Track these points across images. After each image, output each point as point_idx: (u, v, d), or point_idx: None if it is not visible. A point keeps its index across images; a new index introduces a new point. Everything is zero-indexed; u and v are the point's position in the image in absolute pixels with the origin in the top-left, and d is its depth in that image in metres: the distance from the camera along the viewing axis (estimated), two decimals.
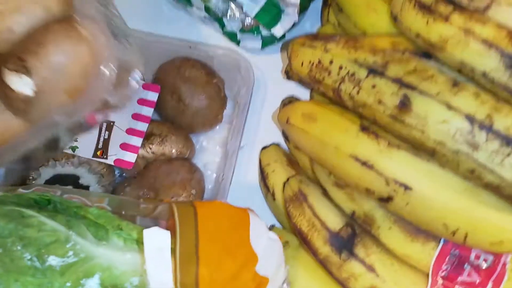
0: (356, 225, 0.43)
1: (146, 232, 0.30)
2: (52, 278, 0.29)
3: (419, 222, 0.39)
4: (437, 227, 0.37)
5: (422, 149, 0.37)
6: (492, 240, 0.37)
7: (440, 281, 0.40)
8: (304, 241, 0.44)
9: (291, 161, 0.52)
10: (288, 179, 0.48)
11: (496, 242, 0.37)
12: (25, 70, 0.33)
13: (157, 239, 0.30)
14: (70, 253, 0.30)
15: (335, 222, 0.43)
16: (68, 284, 0.29)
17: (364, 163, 0.39)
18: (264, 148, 0.54)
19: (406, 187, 0.37)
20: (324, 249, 0.43)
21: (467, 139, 0.34)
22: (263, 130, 0.57)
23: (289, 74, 0.52)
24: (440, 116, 0.35)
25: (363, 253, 0.42)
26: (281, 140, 0.55)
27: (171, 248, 0.31)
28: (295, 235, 0.47)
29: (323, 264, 0.43)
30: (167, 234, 0.31)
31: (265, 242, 0.37)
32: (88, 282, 0.29)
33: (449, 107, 0.35)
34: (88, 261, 0.30)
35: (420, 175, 0.37)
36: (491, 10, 0.39)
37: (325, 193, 0.45)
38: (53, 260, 0.29)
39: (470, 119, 0.34)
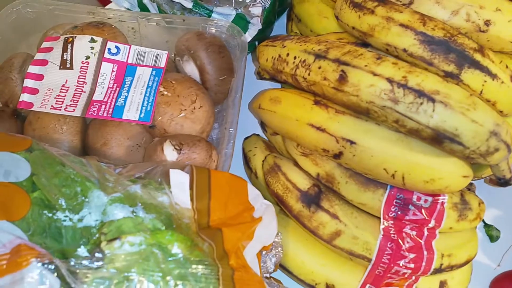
0: (321, 184, 0.52)
1: (172, 171, 0.42)
2: (108, 187, 0.40)
3: (366, 170, 0.48)
4: (379, 172, 0.47)
5: (359, 111, 0.46)
6: (424, 179, 0.46)
7: (390, 221, 0.49)
8: (281, 202, 0.53)
9: (269, 146, 0.62)
10: (265, 157, 0.57)
11: (428, 181, 0.46)
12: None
13: (179, 176, 0.42)
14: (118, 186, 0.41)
15: (304, 183, 0.52)
16: (120, 193, 0.40)
17: (319, 128, 0.48)
18: (246, 138, 0.64)
19: (352, 142, 0.47)
20: (297, 206, 0.52)
21: (390, 96, 0.44)
22: (243, 124, 0.66)
23: (260, 74, 0.62)
24: (368, 82, 0.45)
25: (328, 205, 0.51)
26: (259, 131, 0.65)
27: (190, 194, 0.42)
28: (275, 203, 0.56)
29: (297, 218, 0.52)
30: (186, 175, 0.43)
31: (260, 203, 0.47)
32: (133, 188, 0.41)
33: (374, 74, 0.45)
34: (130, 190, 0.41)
35: (361, 132, 0.47)
36: (413, 5, 0.50)
37: (295, 163, 0.55)
38: (108, 179, 0.41)
39: (390, 81, 0.44)
